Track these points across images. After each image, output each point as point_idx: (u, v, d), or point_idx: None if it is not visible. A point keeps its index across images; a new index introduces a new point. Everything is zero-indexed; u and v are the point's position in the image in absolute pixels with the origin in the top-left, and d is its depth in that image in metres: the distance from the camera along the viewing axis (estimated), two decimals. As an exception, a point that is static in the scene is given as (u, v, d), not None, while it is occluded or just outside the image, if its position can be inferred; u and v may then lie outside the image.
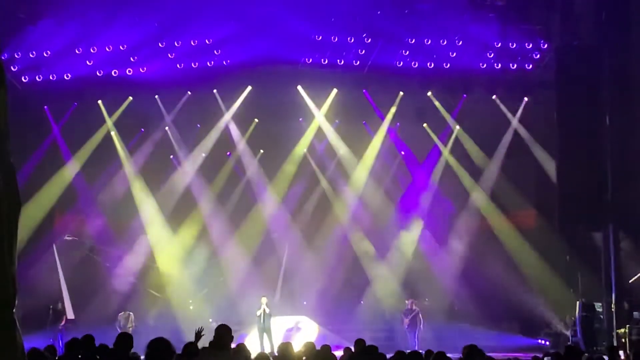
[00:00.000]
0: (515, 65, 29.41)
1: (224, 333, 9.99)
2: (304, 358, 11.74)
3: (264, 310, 26.25)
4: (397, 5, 27.68)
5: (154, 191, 31.51)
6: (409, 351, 12.49)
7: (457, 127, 31.78)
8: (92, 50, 27.86)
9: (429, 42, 28.31)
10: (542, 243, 30.39)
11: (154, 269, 31.04)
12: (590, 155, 26.19)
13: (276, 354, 11.74)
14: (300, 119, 32.09)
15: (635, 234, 26.41)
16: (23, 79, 28.52)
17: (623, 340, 24.11)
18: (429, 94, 31.15)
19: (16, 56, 27.61)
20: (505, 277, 29.51)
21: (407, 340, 27.38)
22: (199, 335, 10.17)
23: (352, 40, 28.37)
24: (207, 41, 28.01)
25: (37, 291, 27.28)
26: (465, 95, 31.08)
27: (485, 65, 29.32)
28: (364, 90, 31.14)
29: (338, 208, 32.30)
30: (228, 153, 32.24)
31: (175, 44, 28.01)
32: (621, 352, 19.96)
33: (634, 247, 26.33)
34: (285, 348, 11.45)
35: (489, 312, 29.33)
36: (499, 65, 29.32)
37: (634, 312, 24.82)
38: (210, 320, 29.19)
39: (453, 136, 32.01)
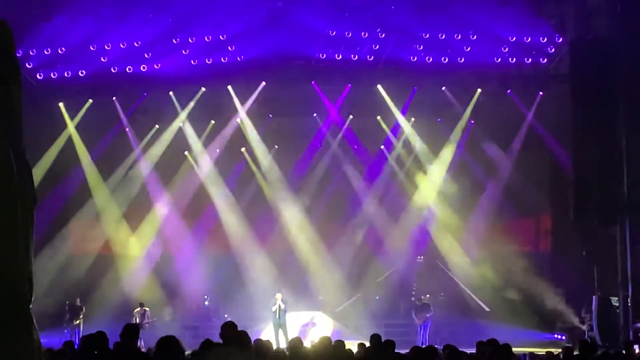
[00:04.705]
0: (529, 60, 29.37)
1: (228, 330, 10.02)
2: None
3: (279, 305, 26.24)
4: (411, -1, 27.67)
5: (168, 187, 31.60)
6: (424, 346, 12.47)
7: (472, 121, 31.71)
8: (106, 47, 27.92)
9: (443, 36, 28.23)
10: (558, 237, 30.34)
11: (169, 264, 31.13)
12: (606, 149, 26.09)
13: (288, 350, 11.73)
14: (315, 114, 32.07)
15: (651, 227, 26.32)
16: (38, 76, 28.63)
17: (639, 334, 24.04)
18: (444, 88, 31.07)
19: (31, 53, 27.74)
20: (521, 271, 29.48)
21: (419, 335, 27.39)
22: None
23: (366, 35, 28.30)
24: (221, 37, 28.01)
25: (53, 288, 27.45)
26: (479, 89, 31.00)
27: (499, 60, 29.26)
28: (378, 86, 31.08)
29: (353, 203, 32.29)
30: (242, 148, 32.28)
31: (189, 40, 28.02)
32: (637, 347, 19.91)
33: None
34: (296, 343, 11.46)
35: (505, 306, 29.29)
36: (514, 59, 29.27)
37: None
38: (226, 315, 29.29)
39: (468, 131, 31.93)
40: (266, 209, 31.98)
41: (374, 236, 31.99)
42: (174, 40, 27.99)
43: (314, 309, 29.74)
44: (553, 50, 28.97)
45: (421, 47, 28.89)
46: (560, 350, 15.80)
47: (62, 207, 30.33)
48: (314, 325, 28.59)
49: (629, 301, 25.64)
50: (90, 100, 30.60)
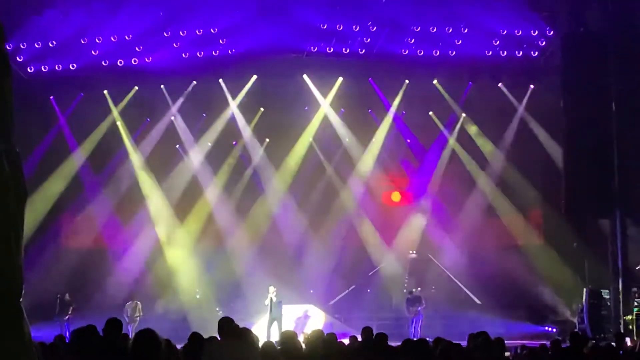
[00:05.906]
0: (521, 53, 29.39)
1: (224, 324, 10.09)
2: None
3: (271, 299, 26.11)
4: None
5: (160, 181, 31.55)
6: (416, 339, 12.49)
7: (463, 114, 31.76)
8: (97, 40, 27.86)
9: (435, 29, 28.23)
10: (549, 230, 30.40)
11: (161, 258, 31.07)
12: (597, 142, 26.10)
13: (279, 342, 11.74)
14: (306, 108, 32.05)
15: (642, 220, 26.39)
16: (28, 69, 28.52)
17: (630, 327, 24.11)
18: (435, 81, 31.10)
19: (22, 46, 27.64)
20: (512, 264, 29.53)
21: (410, 328, 27.41)
22: None
23: (358, 28, 28.29)
24: (212, 30, 27.96)
25: (44, 281, 27.39)
26: (471, 82, 31.05)
27: (491, 53, 29.29)
28: (369, 79, 31.08)
29: (344, 196, 32.29)
30: (234, 142, 32.26)
31: (181, 33, 27.98)
32: (628, 339, 19.97)
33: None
34: (288, 336, 11.47)
35: (496, 299, 29.34)
36: (505, 52, 29.28)
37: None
38: (217, 309, 29.27)
39: (459, 124, 31.99)
40: (258, 203, 31.95)
41: (365, 229, 31.97)
42: (165, 34, 27.94)
43: (305, 302, 29.74)
44: (544, 43, 28.99)
45: (412, 40, 28.90)
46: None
47: (53, 200, 30.24)
48: (307, 319, 28.59)
49: (619, 294, 25.71)
50: (81, 94, 30.55)
